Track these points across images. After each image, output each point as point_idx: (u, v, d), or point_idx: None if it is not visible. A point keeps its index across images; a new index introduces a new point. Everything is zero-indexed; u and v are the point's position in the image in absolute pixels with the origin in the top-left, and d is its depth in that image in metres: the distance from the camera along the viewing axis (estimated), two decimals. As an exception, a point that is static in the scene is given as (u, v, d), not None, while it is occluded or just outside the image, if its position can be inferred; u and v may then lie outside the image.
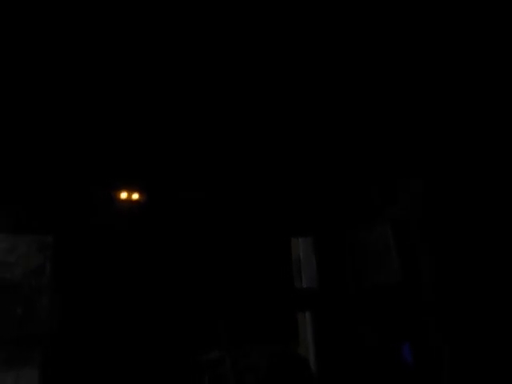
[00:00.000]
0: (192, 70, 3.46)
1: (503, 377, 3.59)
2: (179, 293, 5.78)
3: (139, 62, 3.37)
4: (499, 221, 3.80)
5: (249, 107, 4.08)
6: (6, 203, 5.33)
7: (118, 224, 5.74)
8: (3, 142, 4.80)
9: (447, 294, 4.17)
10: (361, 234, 5.35)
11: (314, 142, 4.82)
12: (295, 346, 5.65)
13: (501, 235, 3.77)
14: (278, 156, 5.26)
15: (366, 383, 4.98)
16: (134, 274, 5.65)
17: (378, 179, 5.18)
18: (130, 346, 5.40)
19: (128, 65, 3.39)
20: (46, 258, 5.62)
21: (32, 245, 5.64)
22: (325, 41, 3.12)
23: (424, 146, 4.50)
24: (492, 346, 3.68)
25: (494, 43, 3.17)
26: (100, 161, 5.48)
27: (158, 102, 4.04)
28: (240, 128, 4.58)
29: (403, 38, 3.11)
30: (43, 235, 5.62)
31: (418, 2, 2.82)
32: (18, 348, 5.08)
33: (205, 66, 3.42)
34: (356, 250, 5.46)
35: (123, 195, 6.12)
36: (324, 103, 3.95)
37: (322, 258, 5.64)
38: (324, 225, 5.79)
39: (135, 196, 6.10)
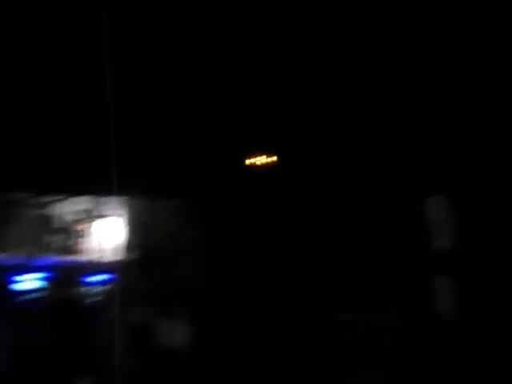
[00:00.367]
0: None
1: None
2: (310, 254, 5.80)
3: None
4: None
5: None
6: (147, 169, 5.47)
7: (251, 187, 5.83)
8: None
9: None
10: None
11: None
12: (429, 308, 5.26)
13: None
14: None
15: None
16: (265, 235, 5.80)
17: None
18: (266, 301, 5.60)
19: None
20: (187, 221, 5.93)
21: (173, 208, 5.94)
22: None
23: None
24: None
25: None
26: (232, 126, 5.47)
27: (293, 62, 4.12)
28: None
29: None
30: (182, 199, 5.96)
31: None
32: (171, 302, 5.60)
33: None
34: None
35: (255, 159, 6.00)
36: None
37: (462, 217, 5.18)
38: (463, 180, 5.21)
39: (267, 159, 6.00)
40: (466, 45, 4.64)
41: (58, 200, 5.70)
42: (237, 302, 5.52)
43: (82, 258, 5.95)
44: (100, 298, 5.85)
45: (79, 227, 5.85)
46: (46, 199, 5.60)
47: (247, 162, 6.02)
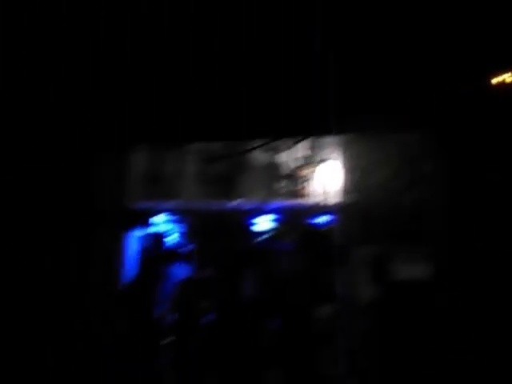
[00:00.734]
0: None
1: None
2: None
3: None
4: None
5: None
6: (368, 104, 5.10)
7: (491, 110, 5.02)
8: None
9: None
10: None
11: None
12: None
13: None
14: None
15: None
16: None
17: None
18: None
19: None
20: (415, 158, 5.39)
21: (399, 144, 5.52)
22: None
23: None
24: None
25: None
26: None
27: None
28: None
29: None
30: (410, 133, 5.46)
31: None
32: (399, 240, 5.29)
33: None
34: None
35: (497, 79, 5.05)
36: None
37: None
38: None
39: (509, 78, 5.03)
40: None
41: (283, 147, 6.13)
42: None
43: (307, 201, 6.31)
44: (325, 237, 6.16)
45: (303, 172, 6.22)
46: (274, 147, 6.06)
47: (493, 80, 4.92)
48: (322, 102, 4.73)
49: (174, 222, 6.10)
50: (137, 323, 5.01)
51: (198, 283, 5.61)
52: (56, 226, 4.65)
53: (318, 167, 6.15)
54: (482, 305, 4.90)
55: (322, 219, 6.24)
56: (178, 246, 5.90)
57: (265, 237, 6.25)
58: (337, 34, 4.61)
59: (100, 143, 4.99)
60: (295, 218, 6.23)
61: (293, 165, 6.16)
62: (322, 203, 6.15)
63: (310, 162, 6.13)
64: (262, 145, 5.61)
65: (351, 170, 6.02)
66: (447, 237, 5.14)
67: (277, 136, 5.44)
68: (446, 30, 4.77)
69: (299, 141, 5.81)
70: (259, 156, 6.09)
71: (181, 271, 5.87)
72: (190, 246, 6.04)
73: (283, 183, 6.18)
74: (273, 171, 6.15)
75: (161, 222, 5.60)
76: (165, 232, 5.77)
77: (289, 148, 5.92)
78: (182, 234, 6.13)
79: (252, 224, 6.30)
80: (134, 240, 5.81)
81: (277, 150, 6.10)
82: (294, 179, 6.15)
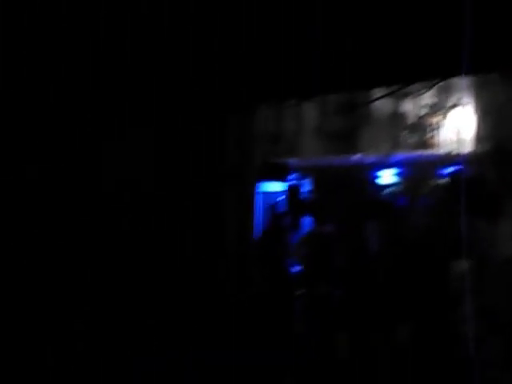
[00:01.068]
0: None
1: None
2: None
3: None
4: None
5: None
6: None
7: None
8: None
9: None
10: None
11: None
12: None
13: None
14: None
15: None
16: None
17: None
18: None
19: None
20: None
21: None
22: None
23: None
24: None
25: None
26: None
27: None
28: None
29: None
30: None
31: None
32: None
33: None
34: None
35: None
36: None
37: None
38: None
39: None
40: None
41: (411, 94, 5.76)
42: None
43: (434, 151, 5.93)
44: (453, 190, 5.76)
45: (431, 120, 5.83)
46: (400, 95, 5.73)
47: None
48: (455, 40, 4.30)
49: (298, 178, 6.09)
50: (270, 276, 5.16)
51: (323, 238, 5.59)
52: (191, 186, 4.88)
53: (448, 114, 5.71)
54: None
55: (454, 170, 5.83)
56: (305, 201, 5.91)
57: (390, 191, 6.01)
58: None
59: (226, 104, 5.08)
60: (423, 171, 5.90)
61: (420, 113, 5.79)
62: (453, 153, 5.75)
63: (439, 108, 5.71)
64: (389, 93, 5.31)
65: (486, 115, 5.52)
66: None
67: (406, 81, 5.11)
68: None
69: (431, 86, 5.40)
70: (383, 106, 5.80)
71: (306, 225, 5.88)
72: (315, 202, 6.01)
73: (409, 133, 5.85)
74: (398, 121, 5.83)
75: (290, 178, 5.63)
76: (295, 187, 5.80)
77: (418, 94, 5.55)
78: (307, 191, 6.11)
79: (376, 178, 6.09)
80: (265, 195, 5.91)
81: (402, 98, 5.76)
82: (422, 128, 5.79)
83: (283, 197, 5.99)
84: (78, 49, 4.45)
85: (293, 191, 5.52)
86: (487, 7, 4.69)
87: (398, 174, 6.09)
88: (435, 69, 4.76)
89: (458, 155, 5.64)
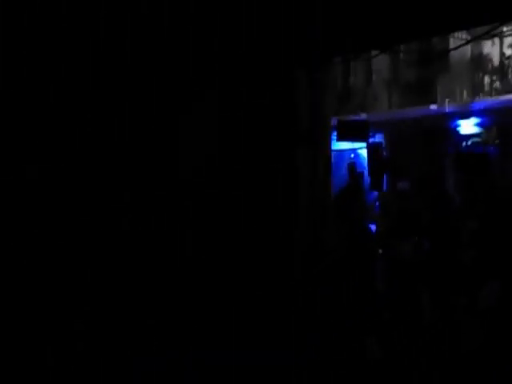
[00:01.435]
0: None
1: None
2: None
3: None
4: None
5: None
6: None
7: None
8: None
9: None
10: None
11: None
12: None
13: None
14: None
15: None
16: None
17: None
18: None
19: None
20: None
21: None
22: None
23: None
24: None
25: None
26: None
27: None
28: None
29: None
30: None
31: None
32: None
33: None
34: None
35: None
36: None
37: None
38: None
39: None
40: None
41: (493, 36, 5.28)
42: None
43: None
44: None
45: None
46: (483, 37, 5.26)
47: None
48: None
49: (376, 135, 5.82)
50: (349, 237, 5.05)
51: (404, 195, 5.36)
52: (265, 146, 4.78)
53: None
54: None
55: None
56: (385, 158, 5.66)
57: (472, 142, 5.63)
58: None
59: (297, 60, 4.88)
60: (508, 118, 5.46)
61: (505, 54, 5.31)
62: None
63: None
64: (473, 38, 4.83)
65: None
66: None
67: (490, 22, 4.65)
68: None
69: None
70: (462, 49, 5.35)
71: (385, 183, 5.66)
72: (395, 159, 5.76)
73: (493, 79, 5.40)
74: (480, 66, 5.39)
75: (369, 136, 5.39)
76: (376, 144, 5.56)
77: (502, 36, 5.08)
78: (385, 147, 5.84)
79: (456, 128, 5.71)
80: (342, 153, 5.75)
81: (484, 40, 5.29)
82: (507, 71, 5.33)
83: (361, 155, 5.77)
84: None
85: (373, 149, 5.28)
86: None
87: (482, 123, 5.68)
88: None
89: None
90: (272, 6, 4.69)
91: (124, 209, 4.00)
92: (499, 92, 5.41)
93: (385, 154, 5.57)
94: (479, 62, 5.34)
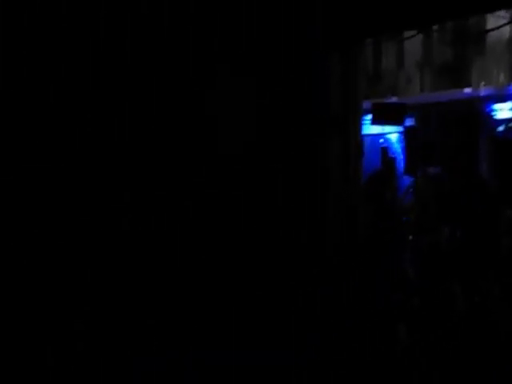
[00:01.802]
0: None
1: None
2: None
3: None
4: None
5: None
6: None
7: None
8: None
9: None
10: None
11: None
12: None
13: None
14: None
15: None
16: None
17: None
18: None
19: None
20: None
21: None
22: None
23: None
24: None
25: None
26: None
27: None
28: None
29: None
30: None
31: None
32: None
33: None
34: None
35: None
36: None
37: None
38: None
39: None
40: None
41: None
42: None
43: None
44: None
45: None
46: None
47: None
48: None
49: (411, 118, 5.67)
50: (380, 222, 4.95)
51: (438, 180, 5.23)
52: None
53: None
54: None
55: None
56: (421, 143, 5.52)
57: (508, 127, 5.45)
58: None
59: (328, 43, 4.76)
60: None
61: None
62: None
63: None
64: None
65: None
66: None
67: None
68: None
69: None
70: (498, 31, 5.15)
71: (418, 168, 5.53)
72: (430, 143, 5.60)
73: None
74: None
75: (404, 119, 5.24)
76: (411, 128, 5.42)
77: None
78: (420, 132, 5.69)
79: (491, 113, 5.53)
80: (375, 137, 5.63)
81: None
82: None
83: (391, 140, 5.64)
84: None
85: (411, 133, 5.15)
86: None
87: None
88: None
89: None
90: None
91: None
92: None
93: (422, 138, 5.44)
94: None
